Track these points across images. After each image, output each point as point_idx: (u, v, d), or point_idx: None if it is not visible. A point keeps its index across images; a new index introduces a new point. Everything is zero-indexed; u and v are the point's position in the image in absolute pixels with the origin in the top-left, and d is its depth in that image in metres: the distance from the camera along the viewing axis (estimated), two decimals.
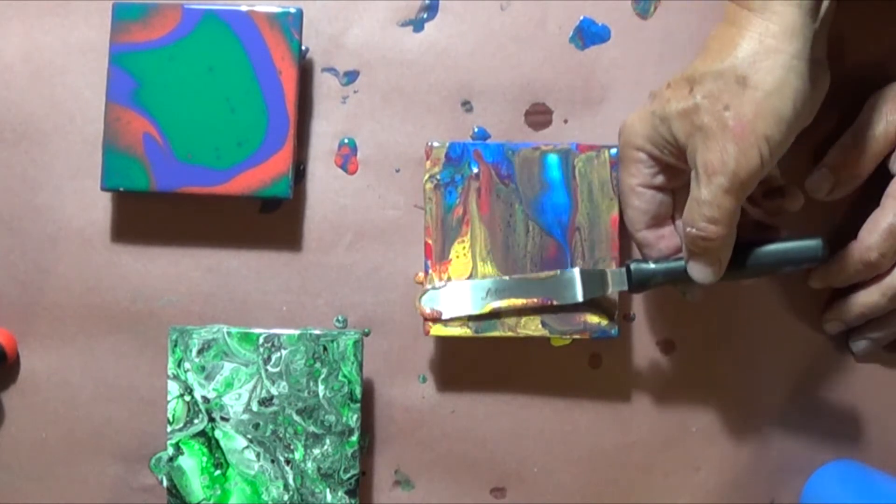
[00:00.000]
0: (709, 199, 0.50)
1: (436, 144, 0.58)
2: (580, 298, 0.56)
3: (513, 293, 0.56)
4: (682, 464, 0.61)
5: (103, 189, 0.59)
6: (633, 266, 0.55)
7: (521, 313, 0.56)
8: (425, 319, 0.57)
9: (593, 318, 0.57)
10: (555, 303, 0.56)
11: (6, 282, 0.61)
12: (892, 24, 0.61)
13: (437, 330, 0.57)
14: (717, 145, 0.49)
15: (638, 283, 0.55)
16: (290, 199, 0.59)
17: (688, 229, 0.52)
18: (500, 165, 0.58)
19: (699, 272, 0.53)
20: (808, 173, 0.59)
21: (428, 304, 0.56)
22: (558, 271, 0.56)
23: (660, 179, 0.54)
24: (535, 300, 0.56)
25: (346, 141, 0.62)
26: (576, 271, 0.56)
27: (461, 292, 0.56)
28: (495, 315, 0.57)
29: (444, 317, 0.56)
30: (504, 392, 0.61)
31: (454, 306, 0.56)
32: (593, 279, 0.56)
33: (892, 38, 0.61)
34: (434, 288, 0.56)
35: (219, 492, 0.57)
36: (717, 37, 0.51)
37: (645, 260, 0.56)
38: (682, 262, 0.54)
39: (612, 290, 0.56)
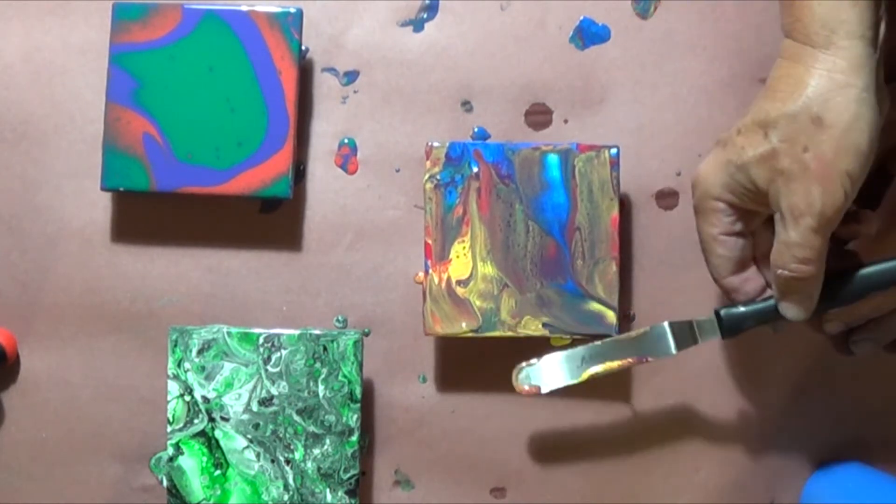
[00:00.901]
0: (799, 241, 0.50)
1: (436, 144, 0.58)
2: (674, 352, 0.55)
3: (607, 357, 0.56)
4: (682, 464, 0.61)
5: (103, 189, 0.59)
6: (723, 313, 0.55)
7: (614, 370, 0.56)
8: (525, 395, 0.56)
9: (593, 318, 0.57)
10: (650, 360, 0.56)
11: (6, 282, 0.61)
12: (892, 24, 0.61)
13: (438, 330, 0.58)
14: (800, 188, 0.49)
15: (729, 329, 0.55)
16: (290, 199, 0.59)
17: (779, 272, 0.51)
18: (500, 165, 0.58)
19: (793, 311, 0.53)
20: None
21: (525, 381, 0.56)
22: (648, 328, 0.56)
23: (739, 226, 0.54)
24: (631, 360, 0.56)
25: (346, 141, 0.62)
26: (665, 325, 0.56)
27: (556, 364, 0.56)
28: (495, 314, 0.57)
29: (542, 391, 0.56)
30: (504, 392, 0.61)
31: (551, 379, 0.56)
32: (683, 331, 0.56)
33: (892, 38, 0.61)
34: (529, 365, 0.56)
35: (219, 492, 0.57)
36: (783, 76, 0.50)
37: (734, 304, 0.55)
38: (770, 303, 0.54)
39: (704, 340, 0.55)
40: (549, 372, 0.56)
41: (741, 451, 0.61)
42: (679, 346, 0.55)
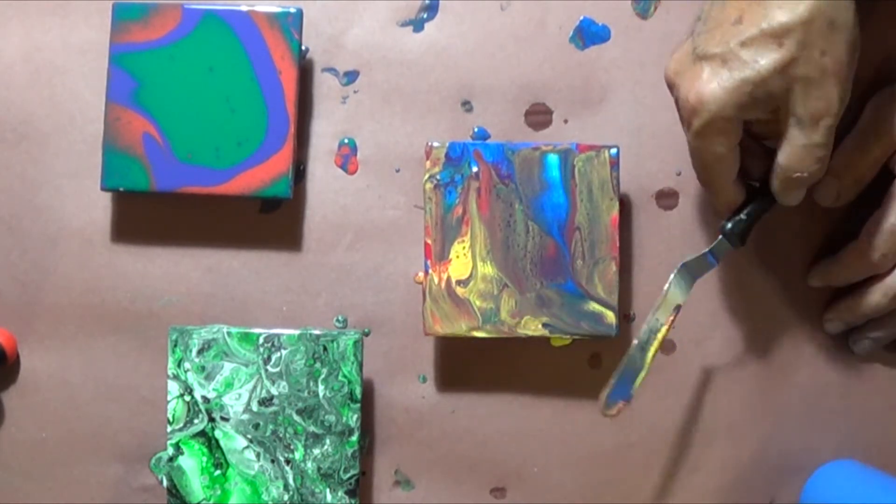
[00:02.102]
0: (822, 142, 0.51)
1: (436, 144, 0.58)
2: (692, 284, 0.56)
3: (656, 330, 0.56)
4: (682, 464, 0.61)
5: (103, 189, 0.59)
6: (729, 226, 0.56)
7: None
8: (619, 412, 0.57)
9: (593, 318, 0.57)
10: (681, 305, 0.56)
11: (6, 282, 0.61)
12: (891, 26, 0.61)
13: (437, 330, 0.58)
14: (820, 91, 0.50)
15: (740, 236, 0.56)
16: (290, 199, 0.59)
17: (796, 175, 0.52)
18: (500, 165, 0.58)
19: (797, 198, 0.55)
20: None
21: (612, 406, 0.56)
22: (668, 284, 0.56)
23: (741, 138, 0.54)
24: (672, 317, 0.56)
25: (346, 141, 0.62)
26: (682, 267, 0.56)
27: (625, 369, 0.56)
28: (495, 314, 0.57)
29: (630, 400, 0.56)
30: (504, 392, 0.61)
31: (626, 383, 0.56)
32: (701, 264, 0.57)
33: (892, 39, 0.61)
34: (606, 389, 0.56)
35: (219, 492, 0.57)
36: None
37: (731, 216, 0.56)
38: (761, 200, 0.56)
39: (721, 259, 0.56)
40: (623, 380, 0.56)
41: (741, 451, 0.61)
42: (697, 276, 0.57)
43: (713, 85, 0.51)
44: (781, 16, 0.50)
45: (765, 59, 0.50)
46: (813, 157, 0.52)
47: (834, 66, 0.50)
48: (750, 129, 0.54)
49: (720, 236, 0.56)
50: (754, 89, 0.51)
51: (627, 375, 0.56)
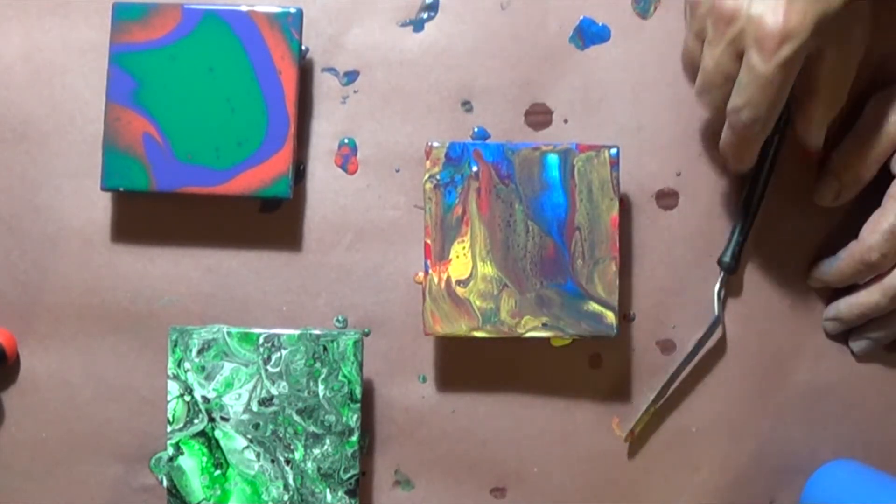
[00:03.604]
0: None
1: (436, 144, 0.58)
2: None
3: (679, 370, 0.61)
4: (682, 464, 0.61)
5: (103, 189, 0.59)
6: (726, 260, 0.60)
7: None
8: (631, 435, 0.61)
9: (593, 318, 0.57)
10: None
11: (6, 282, 0.61)
12: (891, 26, 0.61)
13: (437, 330, 0.58)
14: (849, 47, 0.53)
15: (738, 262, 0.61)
16: (290, 199, 0.59)
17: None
18: (500, 165, 0.58)
19: (821, 137, 0.56)
20: (812, 180, 0.59)
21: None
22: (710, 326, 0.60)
23: None
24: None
25: (346, 141, 0.62)
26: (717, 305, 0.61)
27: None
28: (495, 314, 0.57)
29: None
30: (504, 392, 0.61)
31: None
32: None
33: (891, 39, 0.61)
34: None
35: (219, 492, 0.57)
36: None
37: (726, 258, 0.60)
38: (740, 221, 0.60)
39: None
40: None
41: (741, 451, 0.61)
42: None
43: (803, 9, 0.49)
44: None
45: None
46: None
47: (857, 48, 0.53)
48: None
49: (721, 273, 0.61)
50: (829, 21, 0.50)
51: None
